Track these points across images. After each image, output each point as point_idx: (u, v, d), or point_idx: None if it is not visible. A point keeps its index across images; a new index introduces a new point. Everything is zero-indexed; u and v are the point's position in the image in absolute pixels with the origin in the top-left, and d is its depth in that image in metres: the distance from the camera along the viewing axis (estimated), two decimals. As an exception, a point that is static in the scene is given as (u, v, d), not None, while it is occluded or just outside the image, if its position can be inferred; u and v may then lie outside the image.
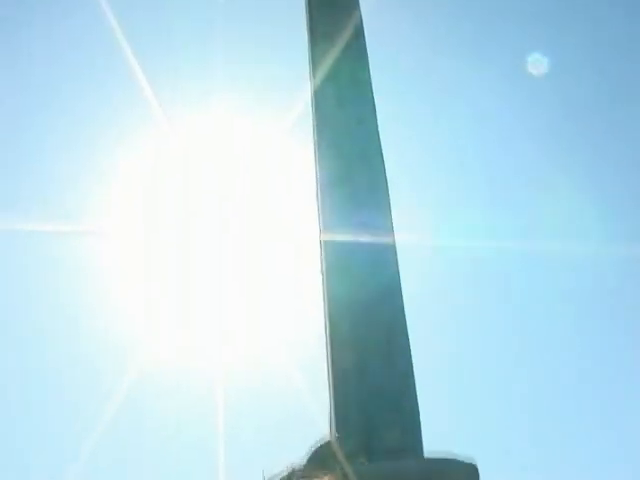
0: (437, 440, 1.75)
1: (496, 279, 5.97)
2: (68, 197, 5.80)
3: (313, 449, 1.56)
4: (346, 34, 1.94)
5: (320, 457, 1.53)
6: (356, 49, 1.98)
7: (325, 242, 1.97)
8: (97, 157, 5.89)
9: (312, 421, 1.94)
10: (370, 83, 1.94)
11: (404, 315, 1.88)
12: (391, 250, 1.97)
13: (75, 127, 6.09)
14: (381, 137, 1.98)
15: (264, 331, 4.93)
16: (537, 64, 5.47)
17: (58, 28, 6.29)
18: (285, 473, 1.49)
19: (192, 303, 5.32)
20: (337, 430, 1.70)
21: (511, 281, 6.07)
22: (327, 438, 1.67)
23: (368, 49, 2.05)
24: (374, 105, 1.92)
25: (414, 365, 1.81)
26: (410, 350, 1.82)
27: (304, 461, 1.52)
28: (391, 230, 1.99)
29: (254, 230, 4.87)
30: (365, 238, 1.92)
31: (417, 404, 1.77)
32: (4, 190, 5.94)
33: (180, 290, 5.41)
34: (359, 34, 1.99)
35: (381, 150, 1.98)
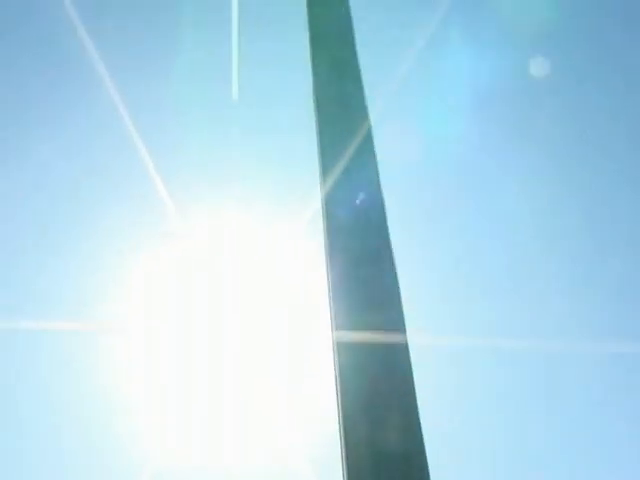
0: None
1: (509, 376, 5.92)
2: (81, 295, 5.87)
3: None
4: (356, 145, 2.03)
5: None
6: (366, 154, 2.05)
7: (338, 342, 1.99)
8: (109, 255, 5.98)
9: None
10: (380, 187, 2.00)
11: (418, 414, 1.88)
12: (404, 349, 1.99)
13: (87, 225, 6.23)
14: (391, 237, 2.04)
15: (277, 432, 4.87)
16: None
17: (73, 127, 6.51)
18: None
19: (203, 404, 5.28)
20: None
21: (532, 379, 6.03)
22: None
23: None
24: (384, 209, 1.98)
25: (429, 464, 1.80)
26: (425, 448, 1.81)
27: None
28: (403, 328, 2.02)
29: (266, 330, 4.88)
30: (377, 337, 1.94)
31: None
32: (16, 289, 6.03)
33: (191, 390, 5.38)
34: (369, 144, 2.07)
35: (391, 250, 2.03)
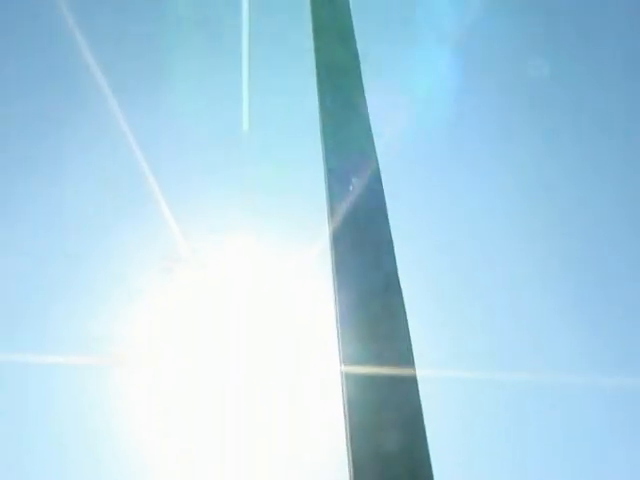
0: None
1: (520, 411, 5.89)
2: (90, 329, 5.88)
3: None
4: (363, 181, 2.05)
5: None
6: (374, 197, 2.08)
7: (346, 375, 1.99)
8: (119, 288, 6.00)
9: None
10: (388, 222, 2.02)
11: (427, 448, 1.88)
12: (412, 382, 1.99)
13: (95, 257, 6.25)
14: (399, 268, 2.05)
15: (284, 466, 4.84)
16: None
17: (80, 160, 6.57)
18: None
19: (212, 441, 5.26)
20: None
21: (536, 413, 6.00)
22: None
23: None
24: (392, 245, 1.99)
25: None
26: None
27: None
28: (412, 361, 2.02)
29: (274, 363, 4.88)
30: (386, 370, 1.95)
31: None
32: (27, 324, 6.04)
33: (201, 426, 5.36)
34: (376, 182, 2.10)
35: (399, 284, 2.04)
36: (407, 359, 2.01)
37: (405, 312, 2.02)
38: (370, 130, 2.38)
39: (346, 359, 2.00)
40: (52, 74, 6.53)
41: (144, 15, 6.54)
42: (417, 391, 1.97)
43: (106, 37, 6.17)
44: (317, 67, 2.67)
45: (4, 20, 6.60)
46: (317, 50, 2.71)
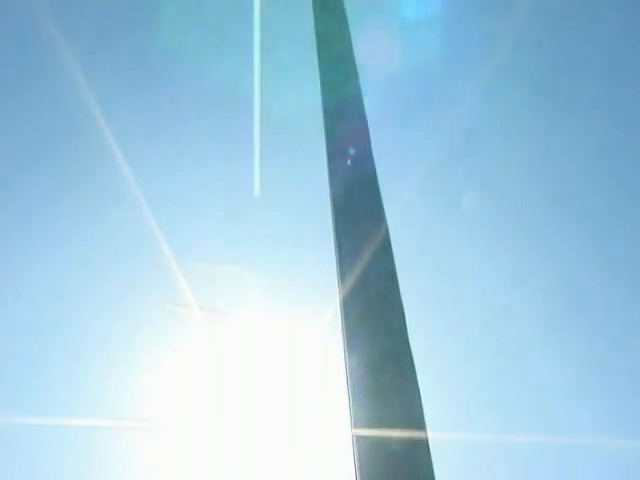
0: None
1: (531, 474, 5.82)
2: (106, 393, 5.87)
3: None
4: (373, 247, 2.10)
5: None
6: (384, 263, 2.12)
7: (357, 437, 2.00)
8: (133, 354, 6.02)
9: None
10: (399, 288, 2.05)
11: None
12: (424, 444, 1.99)
13: (110, 326, 6.28)
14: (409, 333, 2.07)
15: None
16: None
17: (91, 220, 6.63)
18: None
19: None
20: None
21: (551, 475, 5.92)
22: None
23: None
24: (403, 311, 2.02)
25: None
26: None
27: None
28: (423, 424, 2.03)
29: (285, 426, 4.86)
30: (396, 433, 1.96)
31: None
32: (45, 387, 6.05)
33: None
34: (387, 248, 2.14)
35: (409, 346, 2.06)
36: (419, 423, 2.02)
37: (416, 376, 2.04)
38: (380, 196, 2.43)
39: (357, 422, 2.01)
40: (61, 133, 6.66)
41: (156, 76, 6.70)
42: (429, 454, 1.98)
43: (117, 97, 6.31)
44: (326, 134, 2.73)
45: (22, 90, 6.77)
46: (326, 125, 2.79)
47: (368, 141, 2.68)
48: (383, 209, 2.33)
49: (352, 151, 2.61)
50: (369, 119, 2.79)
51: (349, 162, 2.56)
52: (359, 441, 1.98)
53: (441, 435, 2.25)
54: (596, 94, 6.61)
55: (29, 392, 6.02)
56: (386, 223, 2.28)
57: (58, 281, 6.50)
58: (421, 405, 2.04)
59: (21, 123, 6.86)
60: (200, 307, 4.80)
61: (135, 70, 6.81)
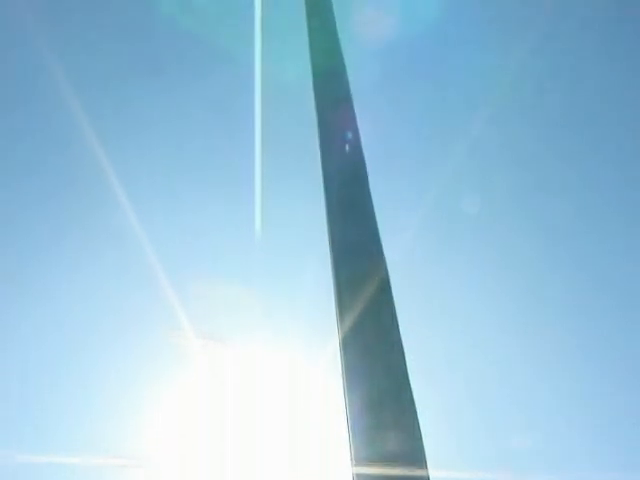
0: None
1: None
2: (104, 430, 5.83)
3: None
4: (373, 286, 2.12)
5: None
6: (384, 302, 2.14)
7: (357, 475, 2.01)
8: (133, 390, 5.99)
9: None
10: (399, 331, 2.06)
11: None
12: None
13: (111, 365, 6.25)
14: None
15: None
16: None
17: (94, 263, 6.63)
18: None
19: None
20: None
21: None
22: None
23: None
24: (403, 349, 2.04)
25: None
26: None
27: None
28: (424, 462, 2.03)
29: (285, 464, 4.83)
30: (397, 471, 1.96)
31: None
32: (45, 425, 6.00)
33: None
34: (385, 288, 2.17)
35: (409, 384, 2.08)
36: (420, 460, 2.02)
37: (417, 414, 2.05)
38: (378, 235, 2.46)
39: (357, 460, 2.01)
40: (67, 184, 6.71)
41: (161, 127, 6.77)
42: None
43: (124, 149, 6.37)
44: (323, 175, 2.76)
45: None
46: (323, 156, 2.82)
47: (366, 181, 2.71)
48: (382, 249, 2.36)
49: (350, 192, 2.63)
50: (367, 154, 2.83)
51: (346, 206, 2.58)
52: (360, 479, 1.98)
53: (442, 473, 2.25)
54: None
55: (27, 428, 5.99)
56: (385, 262, 2.30)
57: (58, 311, 6.49)
58: (422, 443, 2.04)
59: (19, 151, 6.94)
60: (200, 335, 4.81)
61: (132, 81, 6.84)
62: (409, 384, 2.06)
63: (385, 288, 2.16)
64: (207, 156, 6.75)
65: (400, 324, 2.14)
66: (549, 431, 6.01)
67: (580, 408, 6.15)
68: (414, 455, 2.01)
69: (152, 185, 6.48)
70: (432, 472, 2.02)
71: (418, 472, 2.00)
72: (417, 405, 2.08)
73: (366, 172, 2.75)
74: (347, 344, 2.03)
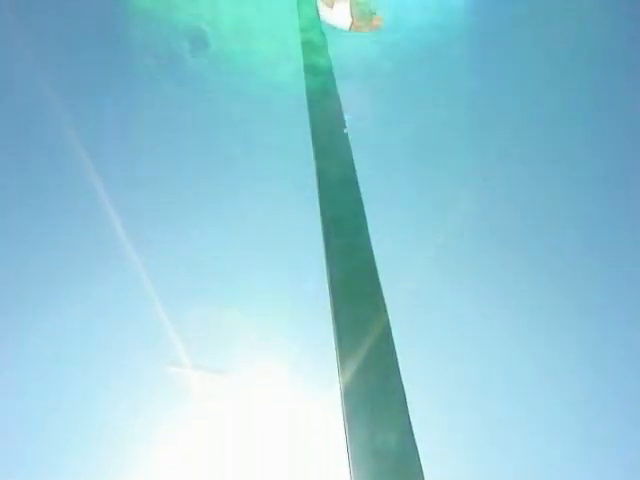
0: None
1: None
2: (99, 466, 5.73)
3: None
4: (373, 332, 2.12)
5: None
6: (385, 347, 2.14)
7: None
8: (130, 427, 5.91)
9: None
10: (400, 377, 2.05)
11: None
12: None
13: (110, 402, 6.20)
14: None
15: None
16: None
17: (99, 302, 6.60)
18: None
19: None
20: None
21: None
22: None
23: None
24: (407, 408, 2.03)
25: None
26: None
27: None
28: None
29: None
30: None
31: None
32: (35, 458, 5.91)
33: None
34: (387, 336, 2.16)
35: (414, 439, 2.06)
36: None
37: (420, 462, 2.03)
38: (378, 277, 2.45)
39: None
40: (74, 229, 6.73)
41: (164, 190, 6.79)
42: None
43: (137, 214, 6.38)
44: (322, 221, 2.77)
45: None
46: (322, 202, 2.83)
47: (365, 229, 2.73)
48: (382, 292, 2.36)
49: (349, 239, 2.64)
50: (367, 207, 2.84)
51: (345, 243, 2.58)
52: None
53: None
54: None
55: (21, 465, 5.91)
56: (385, 306, 2.30)
57: (54, 345, 6.45)
58: (422, 475, 2.03)
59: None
60: (197, 367, 4.78)
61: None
62: (411, 430, 2.05)
63: (386, 333, 2.16)
64: (203, 184, 6.76)
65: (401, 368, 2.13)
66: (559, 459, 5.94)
67: (580, 409, 6.08)
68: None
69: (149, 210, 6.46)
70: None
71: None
72: (420, 452, 2.06)
73: (365, 218, 2.76)
74: (348, 390, 2.02)
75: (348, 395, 1.99)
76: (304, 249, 5.61)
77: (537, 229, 6.40)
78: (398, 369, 2.05)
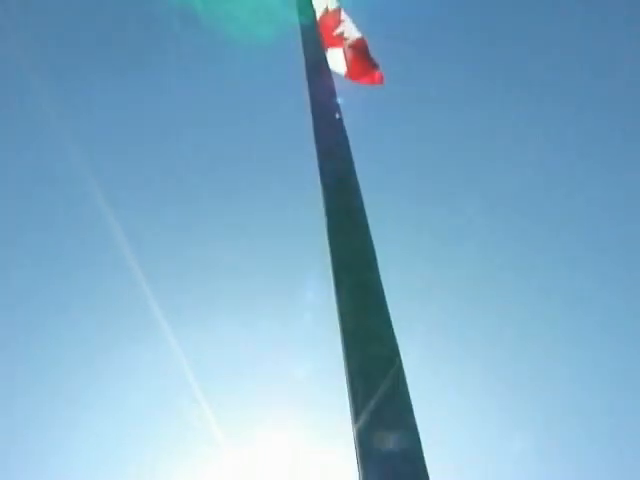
0: None
1: None
2: None
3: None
4: (385, 372, 2.11)
5: None
6: (397, 387, 2.12)
7: None
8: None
9: None
10: (418, 434, 2.03)
11: None
12: None
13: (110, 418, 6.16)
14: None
15: None
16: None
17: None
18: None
19: None
20: None
21: None
22: None
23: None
24: (421, 453, 2.01)
25: None
26: None
27: None
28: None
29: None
30: None
31: None
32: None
33: None
34: (399, 373, 2.14)
35: (426, 470, 2.04)
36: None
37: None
38: (389, 318, 2.44)
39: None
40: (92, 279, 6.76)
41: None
42: None
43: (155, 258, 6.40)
44: (332, 262, 2.76)
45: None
46: (332, 247, 2.83)
47: (375, 265, 2.72)
48: (394, 333, 2.35)
49: (361, 279, 2.63)
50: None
51: (356, 290, 2.56)
52: None
53: None
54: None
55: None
56: (397, 347, 2.29)
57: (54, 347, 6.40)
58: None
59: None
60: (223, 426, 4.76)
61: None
62: (426, 470, 2.04)
63: (398, 373, 2.15)
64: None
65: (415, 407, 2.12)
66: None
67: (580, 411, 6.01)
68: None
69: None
70: None
71: None
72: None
73: (375, 257, 2.76)
74: (362, 432, 2.02)
75: (361, 435, 1.98)
76: (313, 286, 5.61)
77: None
78: (412, 412, 2.03)
